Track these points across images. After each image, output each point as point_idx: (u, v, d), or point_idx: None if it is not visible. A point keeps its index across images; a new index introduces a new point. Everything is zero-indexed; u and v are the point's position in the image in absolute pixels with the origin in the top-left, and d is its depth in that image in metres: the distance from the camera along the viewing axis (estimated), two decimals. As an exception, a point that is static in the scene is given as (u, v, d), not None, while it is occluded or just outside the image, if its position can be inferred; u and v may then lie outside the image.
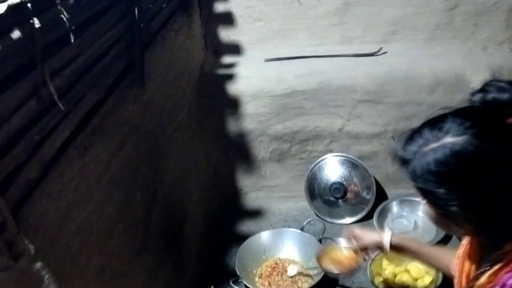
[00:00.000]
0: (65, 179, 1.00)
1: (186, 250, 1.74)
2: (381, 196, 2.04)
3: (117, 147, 1.26)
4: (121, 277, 1.25)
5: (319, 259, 1.47)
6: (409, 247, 1.28)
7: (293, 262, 1.79)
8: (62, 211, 0.98)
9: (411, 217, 1.94)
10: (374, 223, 1.91)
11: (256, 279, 1.74)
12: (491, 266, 0.87)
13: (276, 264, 1.79)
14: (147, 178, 1.44)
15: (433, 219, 0.91)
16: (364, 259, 1.40)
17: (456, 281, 1.05)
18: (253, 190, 2.16)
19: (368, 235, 1.34)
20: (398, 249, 1.30)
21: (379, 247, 1.31)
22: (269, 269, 1.77)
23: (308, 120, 1.96)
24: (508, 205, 0.81)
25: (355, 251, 1.38)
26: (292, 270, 1.73)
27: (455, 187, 0.81)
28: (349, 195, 2.00)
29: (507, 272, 0.84)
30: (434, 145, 0.81)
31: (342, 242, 1.49)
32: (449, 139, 0.80)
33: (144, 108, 1.44)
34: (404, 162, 0.86)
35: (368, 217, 1.97)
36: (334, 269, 1.43)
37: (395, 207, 2.00)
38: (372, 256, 1.53)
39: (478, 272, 0.90)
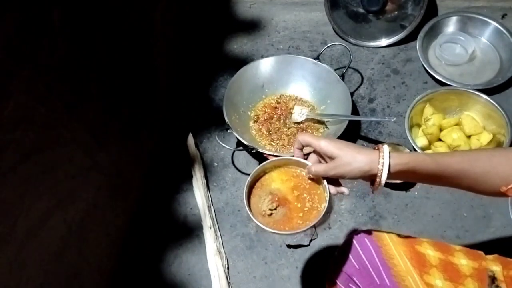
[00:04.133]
0: None
1: (151, 85, 1.22)
2: (430, 11, 1.44)
3: None
4: (38, 152, 0.77)
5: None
6: (427, 172, 0.68)
7: (302, 102, 1.31)
8: None
9: (469, 43, 1.38)
10: (417, 47, 1.37)
11: (251, 123, 1.28)
12: None
13: (278, 103, 1.31)
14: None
15: None
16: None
17: None
18: (250, -9, 1.52)
19: (348, 154, 0.69)
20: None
21: (369, 177, 0.70)
22: (268, 110, 1.30)
23: None
24: None
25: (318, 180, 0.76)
26: (299, 114, 1.26)
27: None
28: (387, 7, 1.39)
29: None
30: None
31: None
32: None
33: None
34: None
35: (410, 38, 1.42)
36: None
37: (450, 26, 1.42)
38: (346, 192, 0.75)
39: None
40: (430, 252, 0.77)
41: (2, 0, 0.64)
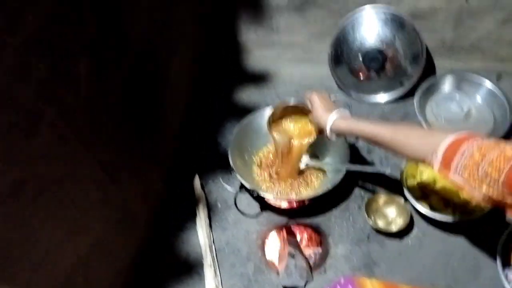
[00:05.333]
0: None
1: (163, 129, 1.32)
2: (429, 70, 1.54)
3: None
4: (57, 185, 0.85)
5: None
6: (363, 134, 1.00)
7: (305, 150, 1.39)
8: None
9: (465, 101, 1.47)
10: (415, 103, 1.45)
11: (254, 168, 1.36)
12: None
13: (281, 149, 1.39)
14: (96, 35, 0.92)
15: None
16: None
17: None
18: (260, 47, 1.63)
19: (319, 110, 1.11)
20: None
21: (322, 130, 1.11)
22: (271, 156, 1.38)
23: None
24: None
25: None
26: (302, 161, 1.34)
27: None
28: (387, 66, 1.49)
29: None
30: None
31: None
32: None
33: None
34: None
35: (409, 95, 1.51)
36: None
37: (445, 86, 1.52)
38: (333, 138, 1.11)
39: None
40: None
41: (38, 50, 0.75)
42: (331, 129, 1.06)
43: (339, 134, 1.08)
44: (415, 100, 1.46)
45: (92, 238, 1.01)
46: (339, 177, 1.23)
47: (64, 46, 0.82)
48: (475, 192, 0.78)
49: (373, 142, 0.99)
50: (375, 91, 1.54)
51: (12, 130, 0.72)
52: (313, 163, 1.32)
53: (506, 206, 0.76)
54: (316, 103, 1.11)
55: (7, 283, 0.76)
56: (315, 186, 1.31)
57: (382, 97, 1.53)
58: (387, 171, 1.20)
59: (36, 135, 0.78)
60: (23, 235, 0.79)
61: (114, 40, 1.00)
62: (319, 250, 1.24)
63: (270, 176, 1.33)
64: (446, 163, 0.82)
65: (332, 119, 1.06)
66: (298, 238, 1.25)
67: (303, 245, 1.24)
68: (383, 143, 0.95)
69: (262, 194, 1.22)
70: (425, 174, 1.29)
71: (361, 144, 1.41)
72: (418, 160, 0.91)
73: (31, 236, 0.81)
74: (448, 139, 0.82)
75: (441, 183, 1.26)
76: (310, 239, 1.26)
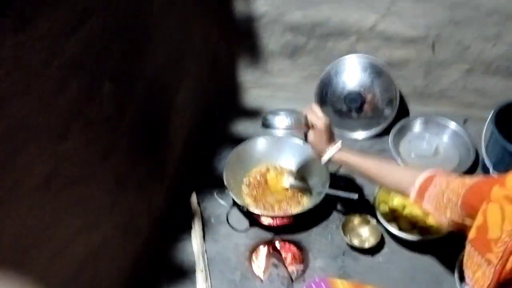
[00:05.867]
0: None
1: (167, 150, 1.50)
2: (403, 112, 1.75)
3: (76, 19, 0.93)
4: (77, 184, 1.02)
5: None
6: (352, 165, 1.19)
7: (291, 173, 1.57)
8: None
9: (434, 140, 1.67)
10: (389, 141, 1.65)
11: (243, 187, 1.53)
12: None
13: (268, 170, 1.57)
14: (120, 64, 1.14)
15: None
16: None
17: (496, 252, 0.77)
18: (256, 86, 1.85)
19: (322, 138, 1.22)
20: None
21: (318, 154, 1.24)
22: (259, 177, 1.55)
23: (335, 10, 1.57)
24: None
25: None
26: (287, 181, 1.52)
27: None
28: (366, 107, 1.70)
29: None
30: None
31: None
32: None
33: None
34: None
35: (384, 133, 1.71)
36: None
37: (417, 127, 1.72)
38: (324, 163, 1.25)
39: None
40: None
41: (73, 71, 0.95)
42: (331, 158, 1.21)
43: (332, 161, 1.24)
44: (390, 138, 1.66)
45: (101, 236, 1.17)
46: (319, 199, 1.40)
47: (93, 69, 1.02)
48: (442, 217, 0.95)
49: (359, 172, 1.18)
50: (355, 129, 1.74)
51: (47, 133, 0.90)
52: (297, 183, 1.50)
53: (466, 228, 0.88)
54: (320, 130, 1.21)
55: (26, 268, 0.91)
56: (299, 205, 1.47)
57: (360, 134, 1.74)
58: (355, 196, 1.39)
59: (66, 139, 0.97)
60: (46, 224, 0.95)
61: (133, 69, 1.21)
62: (301, 266, 1.38)
63: (257, 195, 1.50)
64: (421, 193, 1.00)
65: (331, 152, 1.20)
66: (283, 255, 1.40)
67: (287, 262, 1.39)
68: (369, 174, 1.15)
69: (251, 209, 1.38)
70: (395, 200, 1.46)
71: (342, 172, 1.60)
72: (397, 190, 1.11)
73: (52, 226, 0.97)
74: (425, 174, 1.01)
75: (408, 209, 1.44)
76: (293, 257, 1.41)
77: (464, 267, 0.84)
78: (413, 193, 1.02)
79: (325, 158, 1.22)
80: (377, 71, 1.68)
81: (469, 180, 0.91)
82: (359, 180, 1.57)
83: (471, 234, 0.83)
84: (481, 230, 0.81)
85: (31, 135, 0.86)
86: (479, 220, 0.81)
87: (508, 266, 0.74)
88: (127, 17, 1.15)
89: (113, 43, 1.09)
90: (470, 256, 0.81)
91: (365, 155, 1.21)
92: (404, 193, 1.06)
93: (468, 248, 0.82)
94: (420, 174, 1.02)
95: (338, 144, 1.22)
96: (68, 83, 0.93)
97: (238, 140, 1.63)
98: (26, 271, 0.91)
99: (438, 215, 0.96)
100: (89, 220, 1.11)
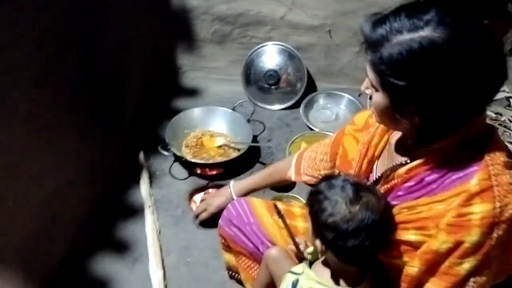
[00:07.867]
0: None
1: (121, 115, 1.82)
2: (311, 87, 2.17)
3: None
4: (51, 128, 1.32)
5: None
6: (255, 189, 1.41)
7: (222, 134, 1.93)
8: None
9: (334, 109, 2.10)
10: (301, 111, 2.06)
11: (183, 148, 1.87)
12: (412, 160, 0.86)
13: (204, 135, 1.93)
14: (84, 35, 1.46)
15: (379, 110, 0.84)
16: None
17: (354, 165, 1.02)
18: (192, 69, 2.22)
19: (214, 201, 1.47)
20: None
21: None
22: (195, 139, 1.90)
23: (252, 4, 1.98)
24: (458, 107, 0.77)
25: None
26: (219, 141, 1.88)
27: (420, 82, 0.74)
28: (281, 83, 2.11)
29: (427, 170, 0.83)
30: (411, 35, 0.73)
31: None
32: (428, 32, 0.72)
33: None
34: (372, 45, 0.78)
35: (296, 105, 2.12)
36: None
37: (321, 99, 2.15)
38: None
39: (397, 163, 0.89)
40: (280, 205, 1.27)
41: (48, 37, 1.26)
42: (235, 194, 1.41)
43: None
44: (301, 109, 2.07)
45: (66, 177, 1.46)
46: (244, 150, 1.78)
47: (66, 37, 1.33)
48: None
49: (265, 186, 1.46)
50: (274, 102, 2.14)
51: (29, 80, 1.21)
52: (226, 142, 1.86)
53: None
54: (211, 203, 1.49)
55: (13, 185, 1.19)
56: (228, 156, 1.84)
57: (278, 107, 2.14)
58: (270, 145, 1.78)
59: (43, 88, 1.27)
60: (25, 153, 1.23)
61: (95, 42, 1.53)
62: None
63: (196, 152, 1.85)
64: (297, 171, 1.26)
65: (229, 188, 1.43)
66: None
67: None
68: (266, 185, 1.45)
69: (188, 158, 1.73)
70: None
71: (263, 135, 1.97)
72: (286, 179, 1.34)
73: (30, 157, 1.26)
74: (295, 155, 1.29)
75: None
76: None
77: None
78: (291, 173, 1.29)
79: (233, 196, 1.41)
80: (289, 55, 2.09)
81: (329, 138, 1.19)
82: (278, 141, 1.96)
83: (337, 164, 1.11)
84: (343, 156, 1.09)
85: (16, 80, 1.16)
86: (340, 151, 1.10)
87: (363, 167, 1.00)
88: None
89: (78, 17, 1.41)
90: None
91: (259, 173, 1.44)
92: (290, 179, 1.31)
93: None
94: (293, 157, 1.30)
95: (227, 187, 1.45)
96: (46, 44, 1.25)
97: (178, 112, 1.97)
98: (13, 189, 1.20)
99: (315, 182, 1.07)
100: (56, 161, 1.40)
